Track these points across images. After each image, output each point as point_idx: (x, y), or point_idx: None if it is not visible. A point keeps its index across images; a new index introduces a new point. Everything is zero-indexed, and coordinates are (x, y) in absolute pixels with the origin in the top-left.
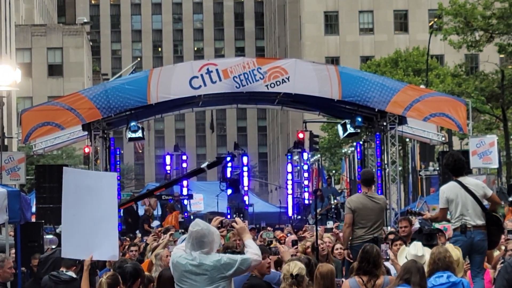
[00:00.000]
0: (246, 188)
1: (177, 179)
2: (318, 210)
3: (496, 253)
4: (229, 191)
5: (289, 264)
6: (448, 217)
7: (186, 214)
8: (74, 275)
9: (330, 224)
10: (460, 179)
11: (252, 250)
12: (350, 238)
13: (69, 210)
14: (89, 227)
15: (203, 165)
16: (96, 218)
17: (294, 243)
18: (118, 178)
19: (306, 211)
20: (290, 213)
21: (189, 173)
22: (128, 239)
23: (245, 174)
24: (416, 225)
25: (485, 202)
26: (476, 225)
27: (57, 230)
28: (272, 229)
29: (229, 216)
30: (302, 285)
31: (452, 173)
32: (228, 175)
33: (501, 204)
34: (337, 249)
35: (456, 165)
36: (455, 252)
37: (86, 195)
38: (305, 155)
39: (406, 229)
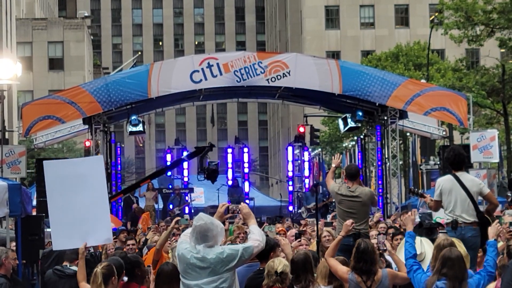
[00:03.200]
0: (247, 182)
1: (160, 171)
2: (312, 205)
3: (500, 243)
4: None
5: (273, 260)
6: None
7: (189, 207)
8: (75, 269)
9: (330, 218)
10: (458, 174)
11: (254, 236)
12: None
13: (55, 203)
14: (80, 215)
15: (184, 156)
16: (86, 204)
17: (298, 236)
18: (119, 169)
19: (300, 205)
20: (290, 207)
21: (171, 164)
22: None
23: (246, 167)
24: (417, 219)
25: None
26: (467, 222)
27: None
28: (268, 224)
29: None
30: (286, 282)
31: (451, 166)
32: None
33: (497, 205)
34: None
35: (455, 159)
36: (460, 246)
37: (73, 184)
38: (306, 149)
39: None
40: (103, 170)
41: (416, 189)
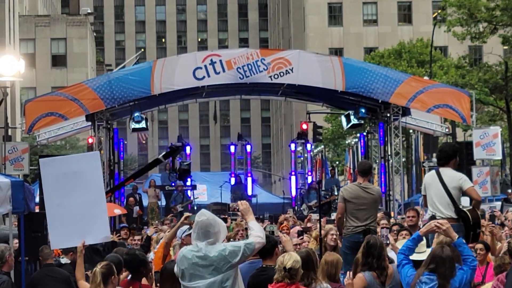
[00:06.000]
0: (250, 179)
1: (139, 172)
2: (314, 202)
3: (499, 244)
4: (179, 181)
5: (284, 256)
6: None
7: (191, 205)
8: (65, 261)
9: (334, 216)
10: (441, 169)
11: (255, 233)
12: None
13: (53, 201)
14: (78, 213)
15: (160, 156)
16: (84, 202)
17: (300, 233)
18: (121, 167)
19: (302, 202)
20: (293, 204)
21: (147, 165)
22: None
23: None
24: (427, 216)
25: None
26: (443, 217)
27: None
28: (270, 222)
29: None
30: (295, 277)
31: (438, 163)
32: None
33: (480, 201)
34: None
35: (438, 156)
36: None
37: (70, 181)
38: (309, 146)
39: (413, 219)
40: (99, 166)
41: None
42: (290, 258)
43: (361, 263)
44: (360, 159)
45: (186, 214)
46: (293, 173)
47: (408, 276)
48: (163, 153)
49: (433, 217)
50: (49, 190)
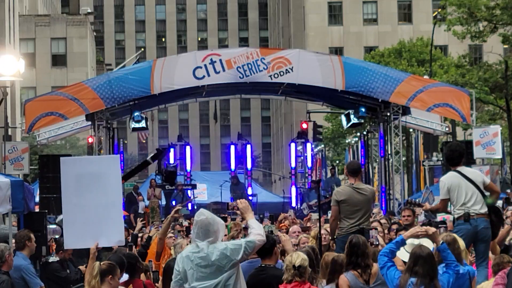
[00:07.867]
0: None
1: (129, 173)
2: (314, 202)
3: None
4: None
5: (291, 255)
6: (449, 209)
7: (192, 204)
8: (53, 259)
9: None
10: (459, 168)
11: (255, 231)
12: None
13: (70, 200)
14: (94, 214)
15: (148, 158)
16: (100, 204)
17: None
18: (122, 166)
19: (302, 201)
20: (293, 203)
21: (137, 167)
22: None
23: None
24: (422, 217)
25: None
26: (480, 213)
27: (57, 220)
28: (270, 222)
29: None
30: (305, 275)
31: (449, 163)
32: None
33: (499, 193)
34: None
35: (450, 156)
36: (461, 241)
37: (89, 182)
38: (309, 145)
39: (409, 218)
40: (119, 170)
41: (413, 200)
42: (298, 257)
43: (345, 263)
44: (360, 159)
45: (177, 207)
46: (293, 175)
47: (396, 278)
48: (151, 155)
49: (467, 214)
50: (67, 189)
